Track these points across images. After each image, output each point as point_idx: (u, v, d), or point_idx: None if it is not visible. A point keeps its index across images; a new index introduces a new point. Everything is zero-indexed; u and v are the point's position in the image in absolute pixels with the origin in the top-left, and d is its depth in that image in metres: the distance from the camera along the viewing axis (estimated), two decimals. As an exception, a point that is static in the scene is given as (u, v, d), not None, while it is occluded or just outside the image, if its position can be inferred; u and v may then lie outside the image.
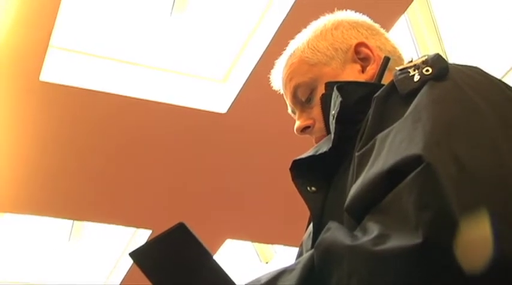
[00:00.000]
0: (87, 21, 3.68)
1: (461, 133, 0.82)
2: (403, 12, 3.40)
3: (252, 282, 0.87)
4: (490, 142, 0.82)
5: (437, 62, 0.93)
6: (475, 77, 0.94)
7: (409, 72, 0.94)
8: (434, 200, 0.75)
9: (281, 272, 0.86)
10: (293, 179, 1.09)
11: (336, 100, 1.07)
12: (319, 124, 1.19)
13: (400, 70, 0.96)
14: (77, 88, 3.48)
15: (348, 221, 0.88)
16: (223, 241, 4.61)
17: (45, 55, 3.28)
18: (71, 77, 3.51)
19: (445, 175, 0.76)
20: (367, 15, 1.31)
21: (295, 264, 0.87)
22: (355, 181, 0.88)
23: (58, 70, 3.49)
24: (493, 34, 3.93)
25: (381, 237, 0.77)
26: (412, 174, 0.78)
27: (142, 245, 0.86)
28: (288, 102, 1.27)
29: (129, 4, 3.69)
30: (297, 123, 1.24)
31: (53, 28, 3.17)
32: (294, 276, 0.84)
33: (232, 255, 5.12)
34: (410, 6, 3.40)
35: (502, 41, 3.92)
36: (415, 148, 0.80)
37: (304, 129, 1.22)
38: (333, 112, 1.08)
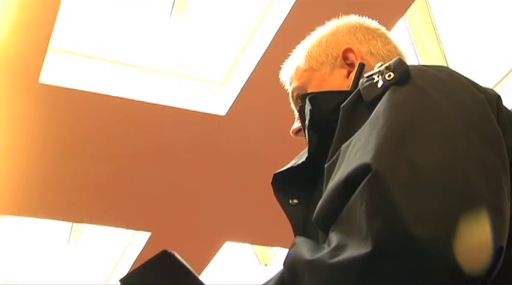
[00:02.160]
0: (87, 23, 3.68)
1: (416, 134, 0.82)
2: (403, 14, 3.40)
3: None
4: (447, 142, 0.81)
5: (399, 66, 0.93)
6: (441, 77, 0.93)
7: (374, 79, 0.93)
8: (382, 208, 0.75)
9: None
10: (275, 193, 1.09)
11: (307, 109, 1.08)
12: None
13: (367, 77, 0.96)
14: (76, 90, 3.48)
15: (322, 233, 0.88)
16: (222, 243, 4.61)
17: (44, 57, 3.28)
18: (70, 79, 3.51)
19: (395, 180, 0.76)
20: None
21: (268, 282, 0.89)
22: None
23: (57, 72, 3.49)
24: (492, 36, 3.93)
25: (337, 249, 0.77)
26: (362, 183, 0.78)
27: (131, 272, 0.91)
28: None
29: (128, 6, 3.69)
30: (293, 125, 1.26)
31: (52, 30, 3.17)
32: None
33: (231, 257, 5.12)
34: (410, 8, 3.40)
35: (501, 43, 3.92)
36: (366, 156, 0.80)
37: (298, 132, 1.24)
38: (306, 122, 1.08)
